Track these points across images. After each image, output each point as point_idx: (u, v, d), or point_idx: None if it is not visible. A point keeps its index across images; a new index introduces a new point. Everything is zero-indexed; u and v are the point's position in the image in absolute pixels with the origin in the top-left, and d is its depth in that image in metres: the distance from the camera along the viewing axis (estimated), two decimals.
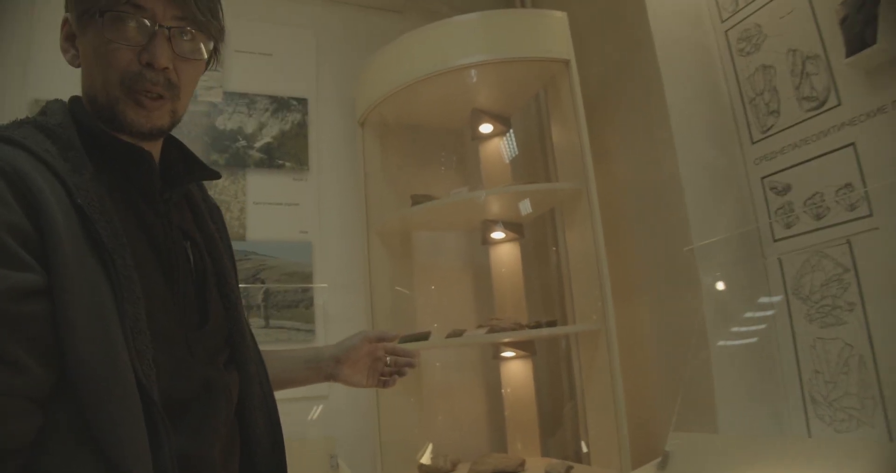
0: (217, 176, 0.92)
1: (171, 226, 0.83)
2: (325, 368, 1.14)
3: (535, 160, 2.46)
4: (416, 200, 2.12)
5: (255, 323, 2.15)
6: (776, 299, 1.59)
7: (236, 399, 0.86)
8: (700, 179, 1.74)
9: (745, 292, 1.67)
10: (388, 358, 1.20)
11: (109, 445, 0.62)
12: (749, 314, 1.67)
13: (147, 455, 0.64)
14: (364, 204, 2.26)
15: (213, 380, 0.81)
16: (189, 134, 2.22)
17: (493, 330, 1.93)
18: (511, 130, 2.33)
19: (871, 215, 1.34)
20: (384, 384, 1.20)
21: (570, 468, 1.83)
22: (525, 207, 2.13)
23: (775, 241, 1.61)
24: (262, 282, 2.18)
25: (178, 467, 0.68)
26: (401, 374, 1.21)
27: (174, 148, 0.89)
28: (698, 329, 1.69)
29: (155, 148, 0.85)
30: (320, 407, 2.15)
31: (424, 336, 2.04)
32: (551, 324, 1.94)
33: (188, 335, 0.80)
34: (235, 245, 2.19)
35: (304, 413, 2.13)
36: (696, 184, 1.74)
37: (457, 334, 1.99)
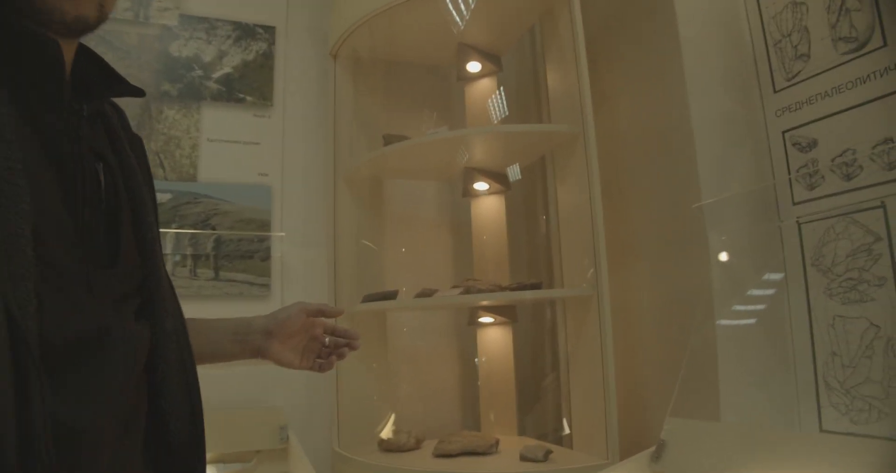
0: (140, 93, 0.75)
1: (79, 141, 0.66)
2: (253, 341, 0.96)
3: (527, 106, 2.20)
4: (389, 139, 1.87)
5: (203, 275, 1.92)
6: (791, 270, 1.37)
7: (144, 359, 0.69)
8: (713, 129, 1.51)
9: (757, 260, 1.46)
10: (326, 339, 1.03)
11: None
12: (759, 286, 1.45)
13: (10, 410, 0.50)
14: (332, 147, 2.01)
15: (113, 329, 0.63)
16: (138, 59, 1.96)
17: (468, 291, 1.70)
18: (501, 72, 2.07)
19: None
20: (320, 368, 1.03)
21: (549, 452, 1.60)
22: (512, 152, 1.88)
23: (795, 204, 1.38)
24: (213, 229, 1.94)
25: (51, 435, 0.54)
26: (340, 356, 1.04)
27: (90, 59, 0.71)
28: (705, 300, 1.48)
29: (67, 50, 0.67)
30: (268, 373, 1.92)
31: (391, 296, 1.81)
32: (535, 287, 1.70)
33: (91, 273, 0.63)
34: (185, 187, 1.96)
35: (249, 379, 1.90)
36: (708, 135, 1.51)
37: (427, 294, 1.75)
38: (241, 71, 2.05)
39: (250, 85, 2.06)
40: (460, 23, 1.90)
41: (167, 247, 1.89)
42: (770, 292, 1.43)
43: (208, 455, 1.69)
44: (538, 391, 2.04)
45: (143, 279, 0.72)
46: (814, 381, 1.31)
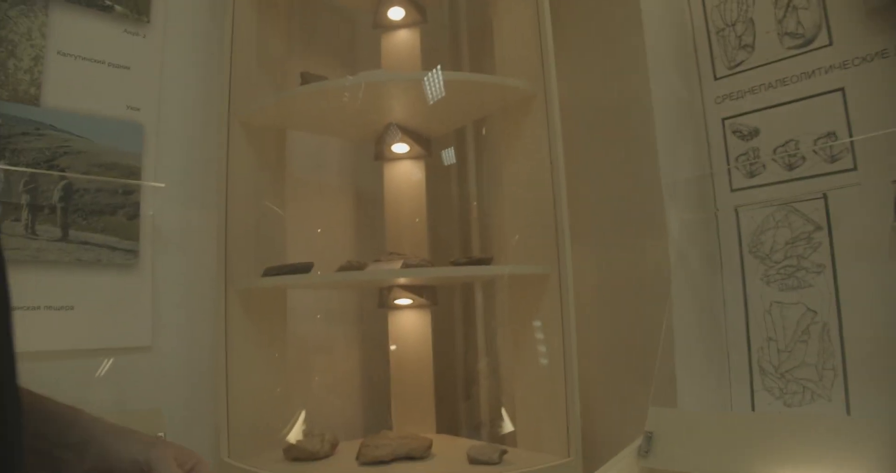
0: None
1: None
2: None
3: (458, 64, 1.96)
4: (308, 78, 1.54)
5: (46, 233, 1.43)
6: (727, 256, 1.41)
7: None
8: (669, 109, 1.48)
9: (696, 246, 1.47)
10: None
11: None
12: (698, 272, 1.46)
13: None
14: (227, 81, 1.60)
15: None
16: None
17: (408, 265, 1.43)
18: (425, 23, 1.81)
19: (854, 169, 1.21)
20: None
21: (504, 452, 1.39)
22: (449, 110, 1.64)
23: (733, 190, 1.41)
24: (62, 171, 1.46)
25: None
26: None
27: None
28: (663, 285, 1.44)
29: None
30: (137, 365, 1.49)
31: (304, 269, 1.48)
32: (485, 262, 1.48)
33: None
34: (22, 111, 1.45)
35: (116, 373, 1.46)
36: (665, 115, 1.48)
37: (356, 266, 1.45)
38: None
39: None
40: None
41: None
42: (708, 278, 1.43)
43: None
44: (463, 384, 1.82)
45: None
46: (748, 366, 1.35)
